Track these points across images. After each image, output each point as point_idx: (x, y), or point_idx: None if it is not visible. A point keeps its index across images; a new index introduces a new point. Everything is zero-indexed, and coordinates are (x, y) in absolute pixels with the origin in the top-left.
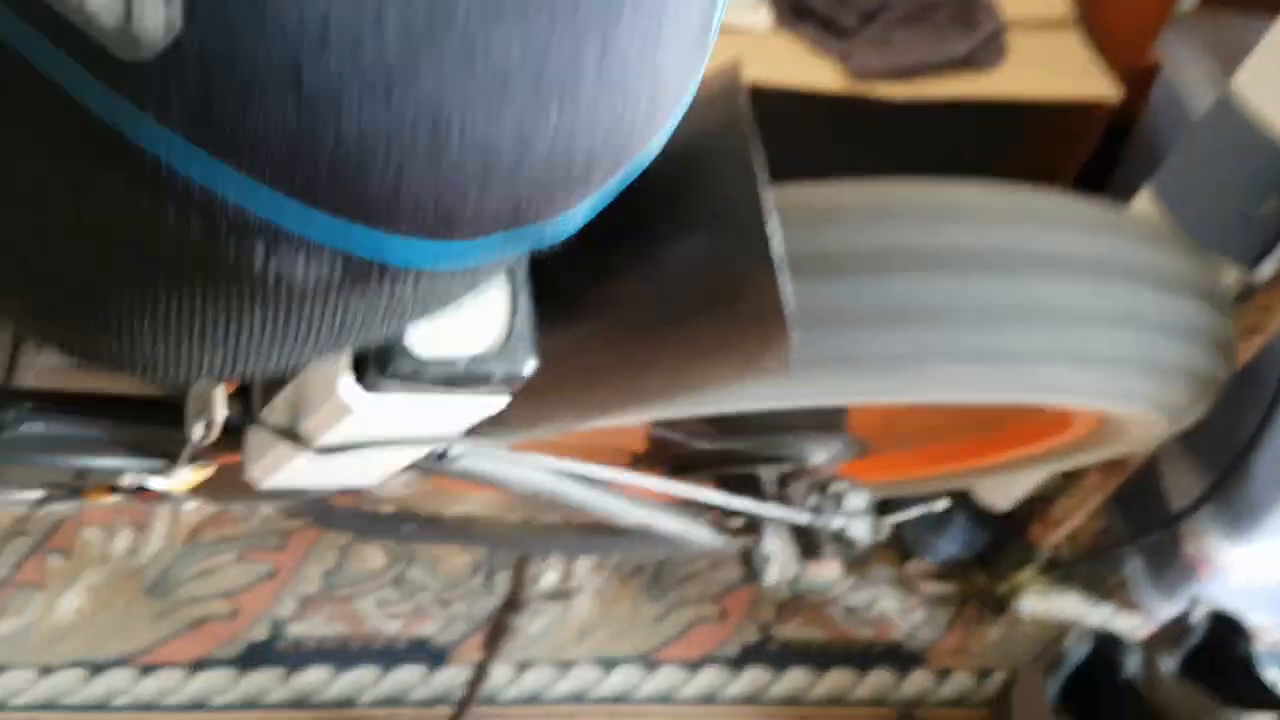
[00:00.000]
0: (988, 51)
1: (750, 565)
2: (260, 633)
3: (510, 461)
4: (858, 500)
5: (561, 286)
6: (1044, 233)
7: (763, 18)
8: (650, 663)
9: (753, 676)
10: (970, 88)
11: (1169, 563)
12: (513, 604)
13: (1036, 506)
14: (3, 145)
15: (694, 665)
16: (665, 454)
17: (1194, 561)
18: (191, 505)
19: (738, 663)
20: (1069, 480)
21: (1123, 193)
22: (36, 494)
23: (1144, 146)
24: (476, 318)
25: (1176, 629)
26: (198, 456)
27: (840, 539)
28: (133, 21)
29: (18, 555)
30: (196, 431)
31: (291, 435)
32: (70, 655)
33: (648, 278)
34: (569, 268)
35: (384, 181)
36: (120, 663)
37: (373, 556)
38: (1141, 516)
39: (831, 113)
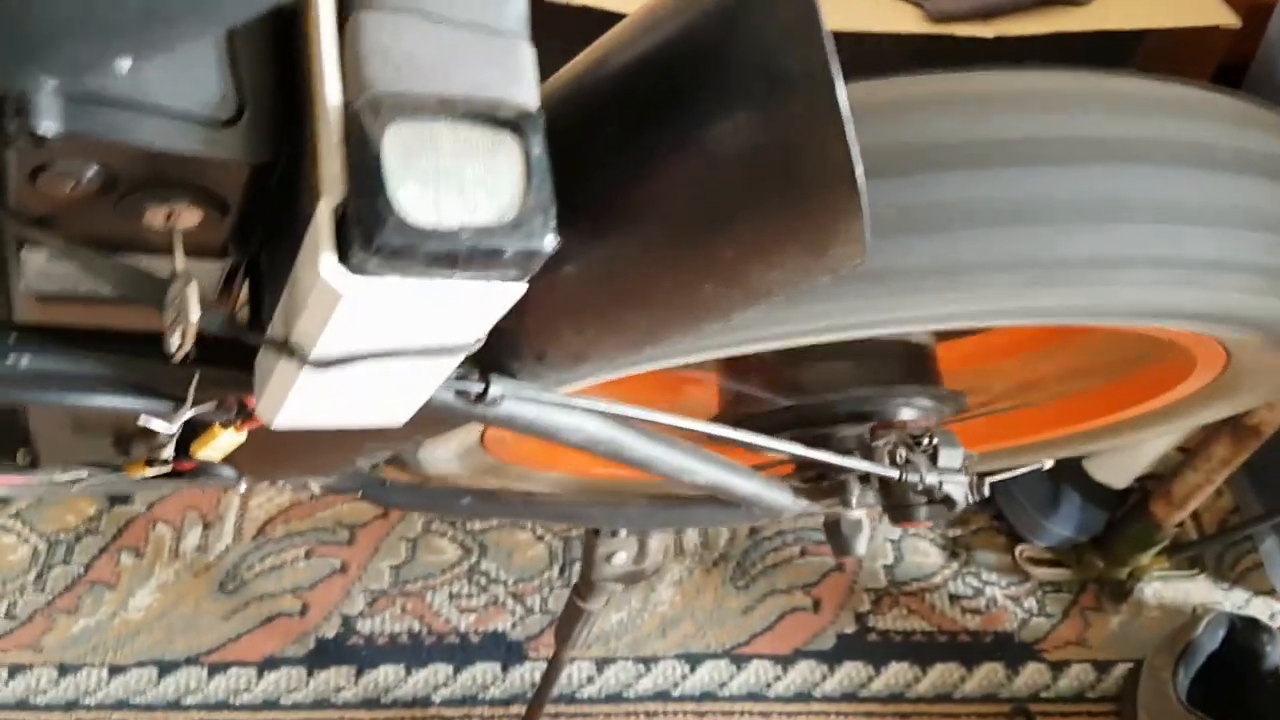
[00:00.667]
0: None
1: (838, 536)
2: (330, 629)
3: (561, 405)
4: (953, 456)
5: (592, 199)
6: (1156, 120)
7: None
8: (737, 658)
9: (850, 671)
10: (1065, 22)
11: None
12: (584, 586)
13: (1158, 483)
14: None
15: (785, 660)
16: (739, 415)
17: None
18: (243, 489)
19: (833, 657)
20: (1194, 453)
21: None
22: (80, 473)
23: (1263, 82)
24: (482, 184)
25: None
26: (206, 398)
27: (933, 498)
28: None
29: (89, 554)
30: (173, 340)
31: (286, 348)
32: (140, 654)
33: (691, 166)
34: (598, 177)
35: None
36: (190, 661)
37: (444, 549)
38: (1277, 492)
39: (912, 56)
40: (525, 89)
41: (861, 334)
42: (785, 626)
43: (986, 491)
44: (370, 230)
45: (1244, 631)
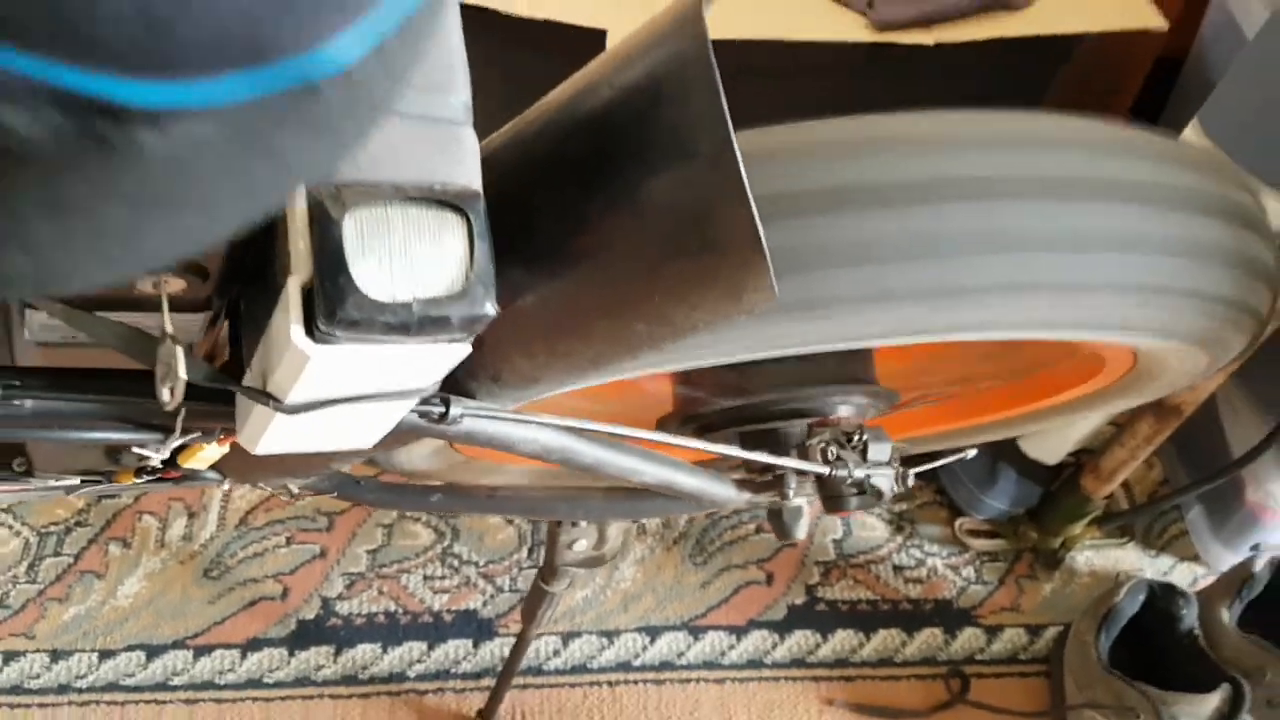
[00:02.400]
0: None
1: (780, 522)
2: (310, 611)
3: (515, 420)
4: (881, 451)
5: (540, 245)
6: (1058, 155)
7: None
8: (695, 629)
9: (799, 639)
10: (1002, 27)
11: (1231, 511)
12: (547, 571)
13: (1087, 458)
14: None
15: (739, 630)
16: (690, 413)
17: (1257, 509)
18: (226, 486)
19: (784, 626)
20: (1120, 431)
21: (1177, 124)
22: (73, 480)
23: (1198, 75)
24: (430, 260)
25: (1237, 578)
26: (192, 428)
27: (863, 490)
28: None
29: (79, 545)
30: (164, 394)
31: (263, 395)
32: (129, 639)
33: (618, 223)
34: (545, 226)
35: (79, 11)
36: (177, 644)
37: (419, 533)
38: (1202, 464)
39: (858, 61)
40: (468, 172)
41: (786, 353)
42: (739, 599)
43: (911, 483)
44: (333, 306)
45: (1162, 597)
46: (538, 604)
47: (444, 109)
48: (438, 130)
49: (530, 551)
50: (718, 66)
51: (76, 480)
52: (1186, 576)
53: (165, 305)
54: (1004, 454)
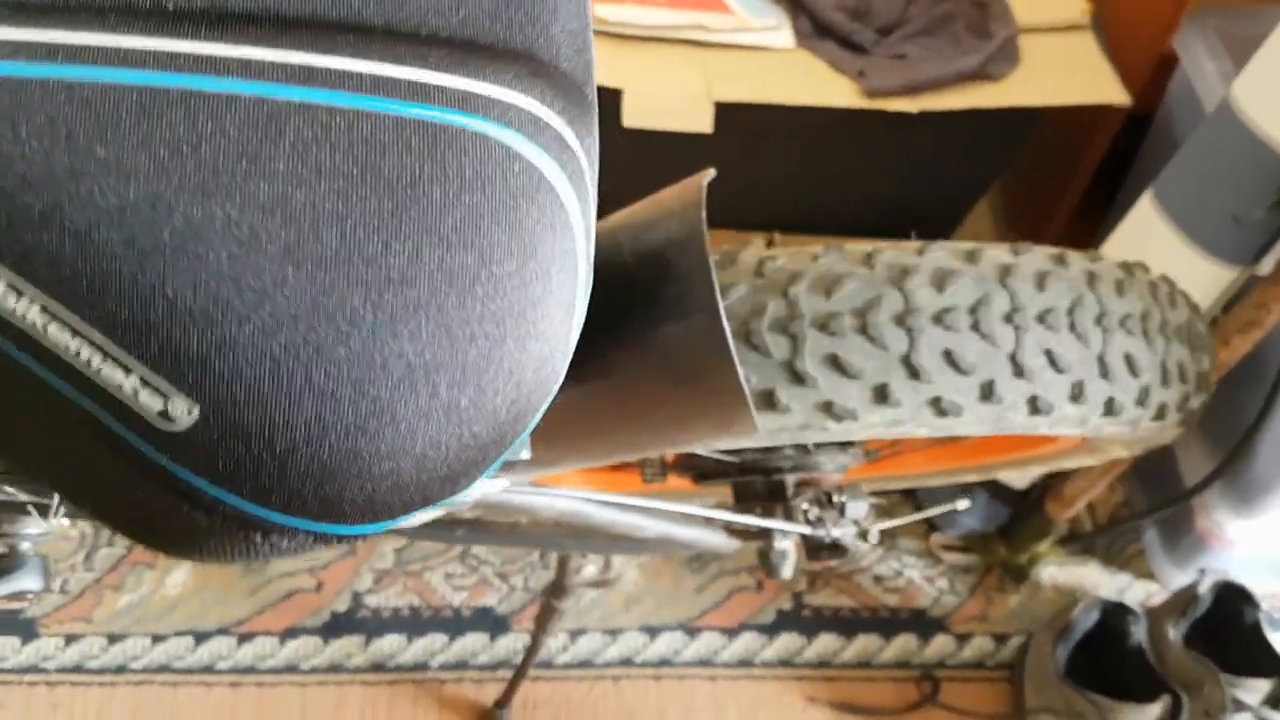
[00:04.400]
0: (999, 61)
1: (768, 563)
2: (342, 604)
3: (535, 494)
4: (857, 510)
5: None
6: (1014, 287)
7: (785, 36)
8: (691, 630)
9: (786, 641)
10: (981, 98)
11: (1182, 535)
12: (557, 590)
13: (1052, 484)
14: (96, 461)
15: (731, 632)
16: (691, 464)
17: (1205, 535)
18: None
19: (772, 629)
20: None
21: (1141, 182)
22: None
23: (1161, 139)
24: None
25: (1184, 598)
26: None
27: (837, 547)
28: (168, 410)
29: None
30: None
31: None
32: (178, 625)
33: (633, 355)
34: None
35: (334, 505)
36: (222, 631)
37: None
38: (1158, 492)
39: (850, 123)
40: None
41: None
42: (732, 604)
43: (875, 539)
44: None
45: (1114, 614)
46: (548, 618)
47: None
48: None
49: (542, 555)
50: (734, 123)
51: None
52: (1141, 593)
53: None
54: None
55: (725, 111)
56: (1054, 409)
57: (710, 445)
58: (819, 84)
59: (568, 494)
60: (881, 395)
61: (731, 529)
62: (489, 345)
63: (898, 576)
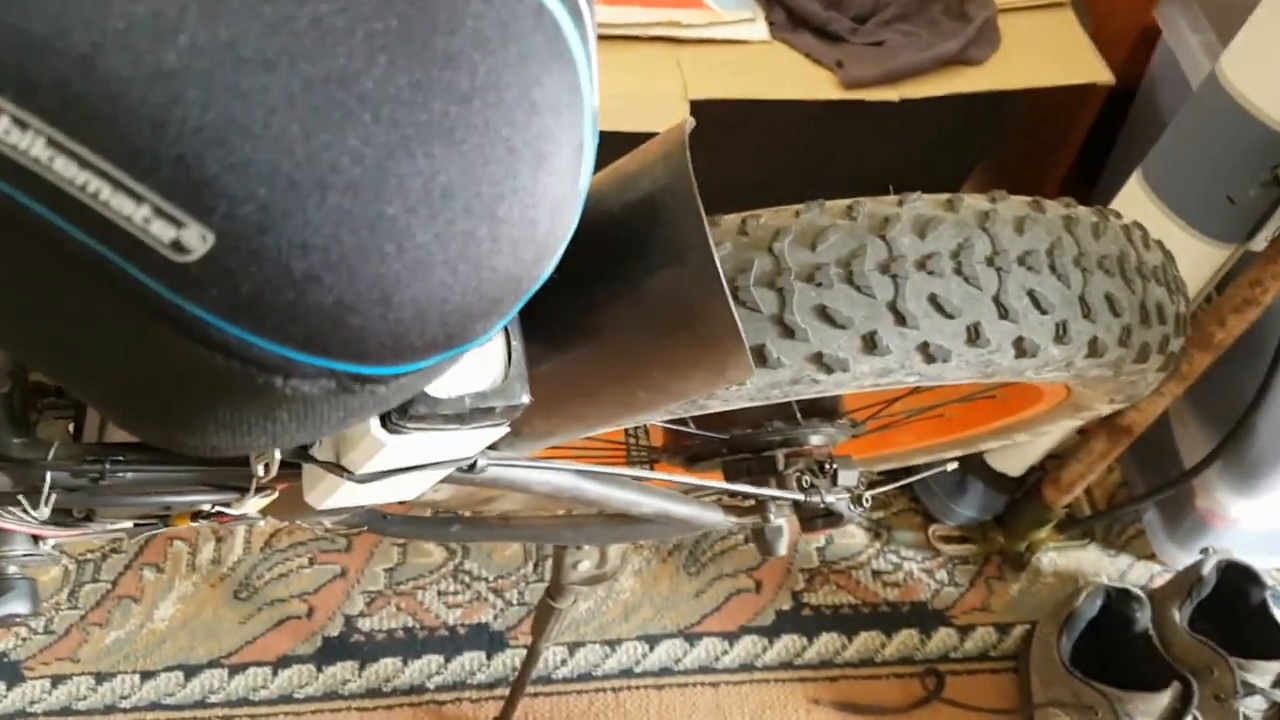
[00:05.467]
0: (979, 44)
1: (763, 540)
2: (334, 629)
3: (532, 467)
4: (849, 478)
5: (556, 322)
6: (994, 232)
7: (760, 29)
8: (690, 636)
9: (787, 643)
10: (962, 83)
11: (1183, 515)
12: (554, 589)
13: (1049, 469)
14: (103, 319)
15: (732, 636)
16: (680, 446)
17: (1206, 514)
18: (263, 524)
19: (772, 631)
20: (1077, 448)
21: (1126, 158)
22: (128, 524)
23: (1146, 113)
24: (478, 362)
25: (1188, 580)
26: (263, 488)
27: (830, 513)
28: (181, 239)
29: (115, 571)
30: (259, 470)
31: (337, 468)
32: (168, 660)
33: (624, 309)
34: (561, 306)
35: (355, 338)
36: (213, 664)
37: (431, 551)
38: (1155, 472)
39: (830, 114)
40: None
41: (772, 400)
42: (731, 607)
43: (868, 504)
44: (405, 405)
45: (1118, 600)
46: (546, 620)
47: None
48: None
49: (536, 566)
50: (712, 119)
51: (131, 524)
52: (1144, 574)
53: None
54: (972, 467)
55: (703, 107)
56: (1040, 350)
57: (706, 393)
58: (796, 77)
59: (563, 466)
60: (870, 343)
61: (726, 504)
62: (503, 172)
63: (896, 570)
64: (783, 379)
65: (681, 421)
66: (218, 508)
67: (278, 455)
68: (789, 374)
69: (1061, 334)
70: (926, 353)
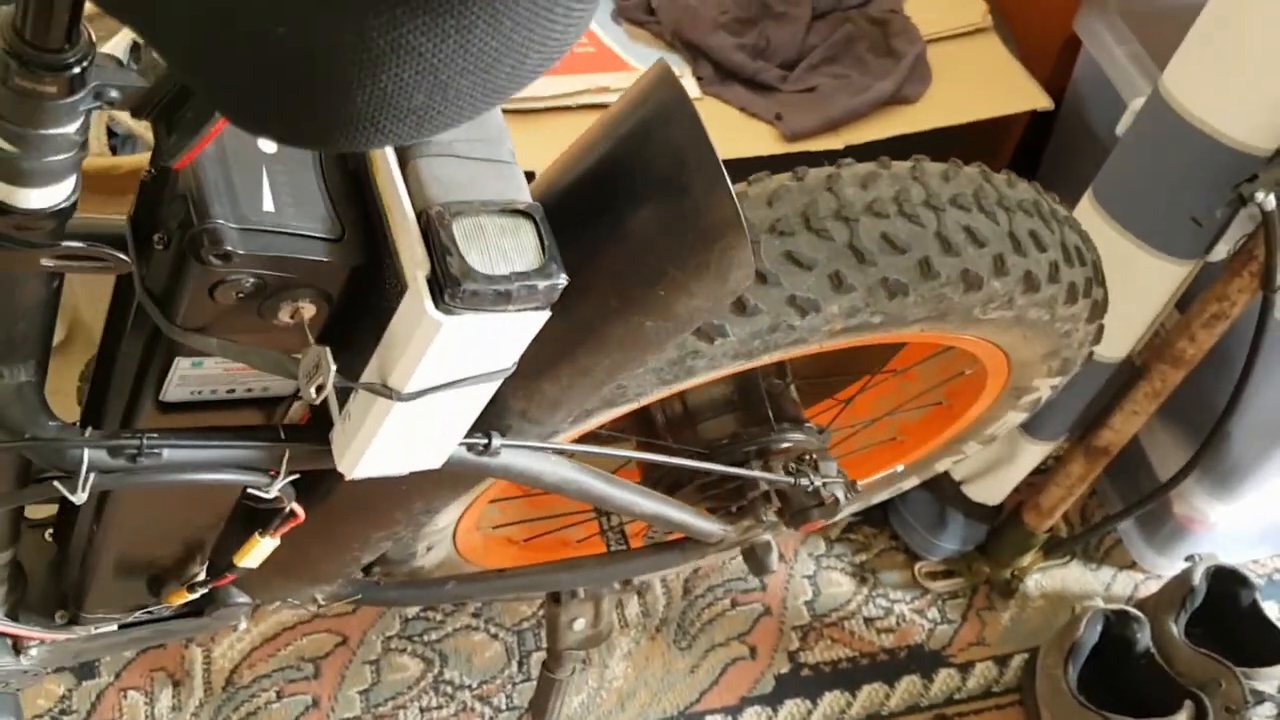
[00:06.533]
0: (913, 81)
1: (754, 558)
2: None
3: (542, 449)
4: (829, 466)
5: (565, 255)
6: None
7: (689, 85)
8: (691, 717)
9: (791, 709)
10: (903, 124)
11: (1161, 523)
12: (551, 659)
13: (1027, 496)
14: None
15: (734, 710)
16: (658, 477)
17: (1185, 521)
18: (243, 626)
19: (775, 698)
20: (1054, 471)
21: (1055, 169)
22: (113, 627)
23: (1073, 124)
24: (515, 249)
25: (1179, 590)
26: (294, 469)
27: (821, 500)
28: None
29: None
30: (310, 393)
31: (384, 389)
32: None
33: (631, 229)
34: (571, 238)
35: None
36: None
37: (406, 665)
38: (1129, 484)
39: (772, 169)
40: (524, 192)
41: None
42: (729, 678)
43: (860, 488)
44: (457, 282)
45: (1117, 623)
46: (547, 695)
47: (501, 154)
48: (499, 168)
49: (520, 664)
50: None
51: (114, 627)
52: (1128, 584)
53: (305, 325)
54: (950, 499)
55: None
56: (983, 282)
57: (712, 307)
58: (736, 133)
59: (572, 448)
60: (837, 281)
61: (715, 510)
62: None
63: (888, 615)
64: (762, 326)
65: (662, 449)
66: (208, 571)
67: (330, 374)
68: (767, 320)
69: (999, 265)
70: (887, 287)
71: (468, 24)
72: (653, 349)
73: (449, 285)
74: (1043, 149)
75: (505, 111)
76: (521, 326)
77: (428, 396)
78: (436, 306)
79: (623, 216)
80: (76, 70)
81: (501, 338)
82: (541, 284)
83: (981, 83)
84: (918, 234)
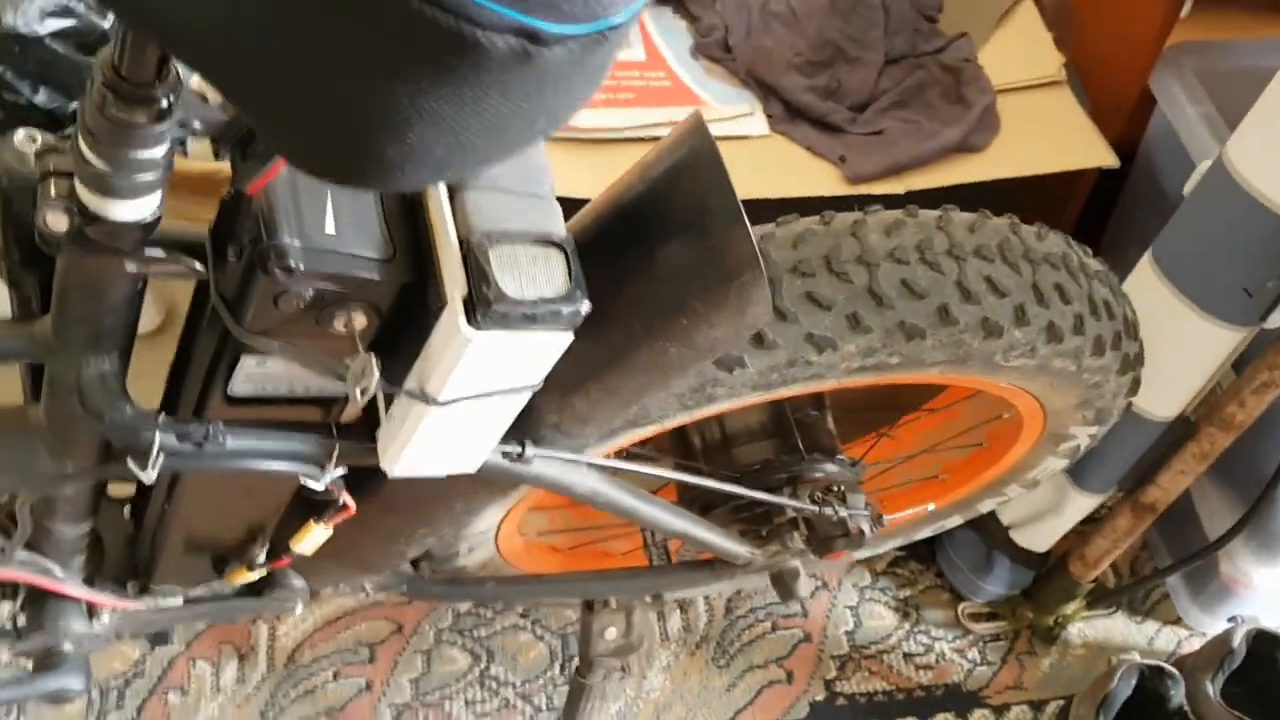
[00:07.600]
0: (980, 131)
1: (782, 583)
2: None
3: (573, 460)
4: (857, 498)
5: (597, 292)
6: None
7: (759, 122)
8: None
9: None
10: (966, 173)
11: (1207, 581)
12: (583, 664)
13: (1074, 546)
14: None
15: None
16: (692, 497)
17: (1230, 581)
18: (299, 610)
19: None
20: (1102, 523)
21: (1124, 225)
22: (178, 601)
23: (1144, 181)
24: (545, 277)
25: (1219, 651)
26: (343, 462)
27: (846, 531)
28: None
29: (139, 698)
30: (356, 394)
31: (422, 395)
32: None
33: (656, 265)
34: (600, 274)
35: None
36: None
37: (456, 658)
38: (1178, 539)
39: (831, 205)
40: (560, 226)
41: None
42: (764, 700)
43: (885, 522)
44: (489, 303)
45: (1151, 678)
46: (579, 700)
47: (541, 189)
48: (537, 202)
49: (562, 668)
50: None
51: (180, 601)
52: (1171, 639)
53: (356, 334)
54: (997, 543)
55: None
56: (1004, 330)
57: (734, 335)
58: (799, 173)
59: (603, 462)
60: (855, 321)
61: (745, 533)
62: None
63: (928, 651)
64: (780, 360)
65: (697, 471)
66: (268, 553)
67: (375, 379)
68: (785, 355)
69: (1020, 315)
70: (904, 330)
71: (481, 94)
72: (675, 374)
73: (481, 305)
74: (1114, 205)
75: (585, 142)
76: (547, 345)
77: (461, 404)
78: (469, 323)
79: (651, 250)
80: (164, 104)
81: (528, 355)
82: (566, 309)
83: (1049, 136)
84: (937, 281)
